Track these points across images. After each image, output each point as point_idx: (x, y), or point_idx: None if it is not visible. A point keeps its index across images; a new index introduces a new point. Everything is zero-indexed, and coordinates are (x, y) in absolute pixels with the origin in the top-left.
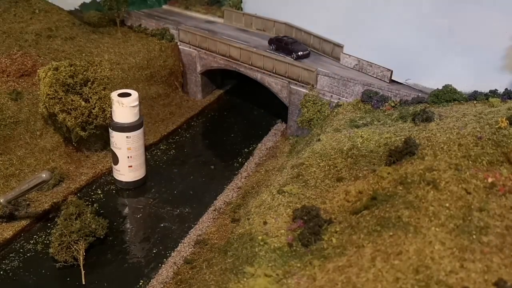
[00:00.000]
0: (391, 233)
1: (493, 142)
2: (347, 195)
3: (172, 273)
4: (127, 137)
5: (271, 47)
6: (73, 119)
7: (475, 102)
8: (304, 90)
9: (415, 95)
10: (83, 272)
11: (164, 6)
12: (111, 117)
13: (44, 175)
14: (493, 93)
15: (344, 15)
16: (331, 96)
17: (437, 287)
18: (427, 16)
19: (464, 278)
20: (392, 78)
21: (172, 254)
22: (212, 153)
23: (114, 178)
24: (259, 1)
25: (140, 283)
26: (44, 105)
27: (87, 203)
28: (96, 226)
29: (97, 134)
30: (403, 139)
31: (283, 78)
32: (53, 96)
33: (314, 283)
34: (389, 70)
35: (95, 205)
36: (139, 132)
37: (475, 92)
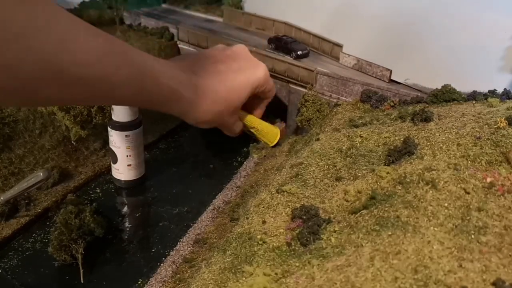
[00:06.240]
0: (389, 233)
1: (492, 142)
2: (346, 194)
3: (171, 272)
4: (126, 135)
5: (270, 46)
6: (72, 117)
7: (474, 102)
8: (303, 90)
9: (414, 94)
10: (81, 270)
11: (164, 5)
12: (110, 116)
13: (41, 174)
14: (492, 93)
15: (342, 14)
16: (330, 95)
17: (435, 287)
18: (426, 15)
19: (462, 278)
20: (391, 78)
21: (171, 253)
22: (211, 152)
23: (113, 177)
24: (259, 0)
25: (139, 282)
26: None
27: (86, 202)
28: (95, 225)
29: (96, 133)
30: (402, 139)
31: (283, 77)
32: None
33: (313, 282)
34: (388, 69)
35: (94, 204)
36: (138, 131)
37: (474, 92)
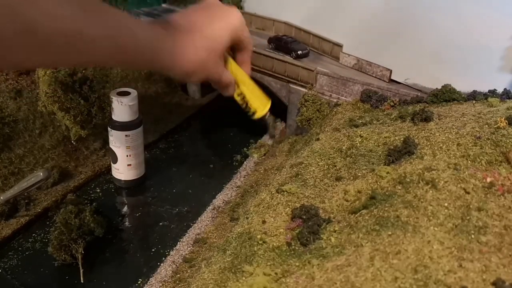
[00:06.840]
0: (389, 233)
1: (492, 142)
2: (346, 194)
3: (171, 272)
4: (126, 135)
5: (270, 46)
6: (72, 117)
7: (474, 102)
8: (303, 89)
9: (414, 94)
10: (81, 270)
11: (164, 5)
12: (110, 115)
13: (41, 174)
14: (492, 93)
15: (342, 13)
16: (330, 95)
17: (435, 287)
18: (426, 15)
19: (462, 278)
20: (392, 78)
21: (171, 253)
22: (211, 152)
23: (113, 177)
24: (259, 0)
25: (139, 282)
26: (43, 104)
27: (86, 201)
28: (95, 225)
29: (96, 133)
30: (402, 139)
31: (283, 77)
32: (52, 94)
33: (313, 282)
34: (388, 69)
35: (94, 203)
36: (138, 130)
37: (474, 92)
